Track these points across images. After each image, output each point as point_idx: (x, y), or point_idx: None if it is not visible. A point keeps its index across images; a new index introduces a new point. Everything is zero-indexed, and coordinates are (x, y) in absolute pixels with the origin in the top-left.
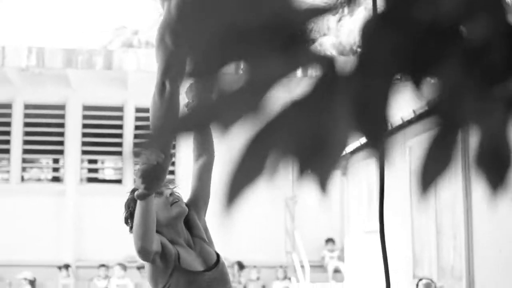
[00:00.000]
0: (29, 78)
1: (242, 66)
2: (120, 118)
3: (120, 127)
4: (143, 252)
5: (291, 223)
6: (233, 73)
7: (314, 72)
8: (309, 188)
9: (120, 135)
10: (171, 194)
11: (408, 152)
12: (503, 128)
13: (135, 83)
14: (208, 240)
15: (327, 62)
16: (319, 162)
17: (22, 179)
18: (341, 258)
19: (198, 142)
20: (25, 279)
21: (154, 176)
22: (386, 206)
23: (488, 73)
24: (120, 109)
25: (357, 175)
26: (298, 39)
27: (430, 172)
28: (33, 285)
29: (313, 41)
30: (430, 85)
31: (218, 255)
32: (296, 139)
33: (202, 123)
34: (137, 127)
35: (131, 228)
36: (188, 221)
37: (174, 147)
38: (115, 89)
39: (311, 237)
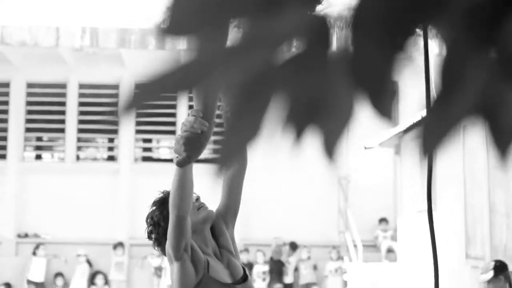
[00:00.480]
0: (83, 58)
1: (235, 24)
2: (174, 97)
3: (174, 106)
4: (181, 218)
5: (344, 203)
6: (225, 31)
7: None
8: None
9: (174, 114)
10: (197, 200)
11: (462, 132)
12: None
13: None
14: (234, 252)
15: (321, 21)
16: (320, 124)
17: (77, 158)
18: (394, 237)
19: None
20: (80, 255)
21: (197, 145)
22: (440, 185)
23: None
24: None
25: (411, 154)
26: None
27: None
28: (89, 263)
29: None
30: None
31: (244, 269)
32: (293, 98)
33: (190, 83)
34: (191, 107)
35: (156, 240)
36: (215, 230)
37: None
38: None
39: (364, 217)
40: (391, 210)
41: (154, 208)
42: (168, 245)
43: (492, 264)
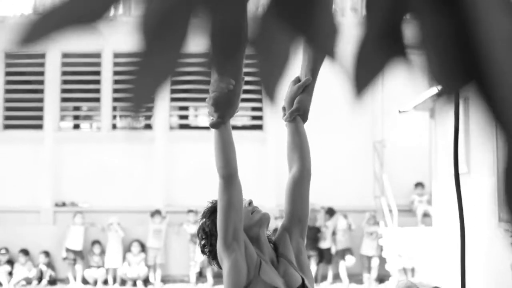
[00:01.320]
0: (117, 26)
1: None
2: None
3: (209, 74)
4: (228, 177)
5: (379, 167)
6: None
7: None
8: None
9: (209, 82)
10: (249, 204)
11: None
12: None
13: None
14: (298, 264)
15: None
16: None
17: (113, 127)
18: (430, 202)
19: (290, 149)
20: (113, 224)
21: (226, 104)
22: (471, 147)
23: None
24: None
25: (445, 117)
26: None
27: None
28: (123, 230)
29: None
30: None
31: (303, 282)
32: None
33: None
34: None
35: (210, 253)
36: (276, 240)
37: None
38: None
39: (399, 181)
40: (427, 174)
41: (204, 219)
42: (218, 231)
43: None
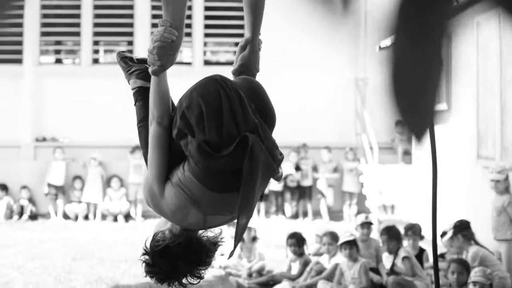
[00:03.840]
0: None
1: None
2: None
3: (189, 7)
4: (158, 121)
5: (361, 105)
6: None
7: None
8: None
9: (190, 16)
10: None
11: (475, 28)
12: None
13: None
14: None
15: None
16: None
17: (94, 61)
18: (410, 140)
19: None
20: (94, 159)
21: (169, 52)
22: (452, 85)
23: None
24: None
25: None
26: None
27: None
28: (102, 165)
29: None
30: None
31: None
32: None
33: None
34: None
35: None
36: None
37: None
38: None
39: (381, 119)
40: None
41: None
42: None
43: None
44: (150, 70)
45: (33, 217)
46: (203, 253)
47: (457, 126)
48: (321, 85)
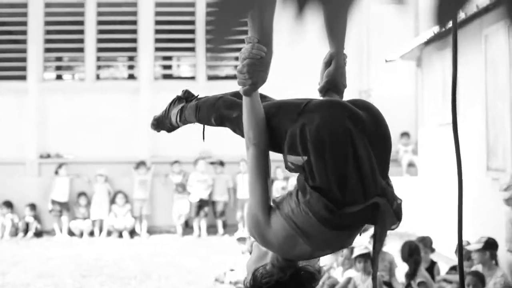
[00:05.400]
0: None
1: None
2: (193, 13)
3: (193, 22)
4: (257, 142)
5: None
6: None
7: None
8: None
9: (193, 31)
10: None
11: (484, 41)
12: None
13: None
14: None
15: None
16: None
17: (98, 77)
18: (415, 151)
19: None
20: (101, 175)
21: (260, 70)
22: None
23: None
24: (192, 4)
25: (432, 67)
26: None
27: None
28: (109, 182)
29: None
30: None
31: None
32: None
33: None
34: (208, 22)
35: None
36: None
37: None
38: None
39: None
40: (413, 124)
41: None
42: (253, 197)
43: None
44: (241, 90)
45: (38, 234)
46: (312, 280)
47: (466, 137)
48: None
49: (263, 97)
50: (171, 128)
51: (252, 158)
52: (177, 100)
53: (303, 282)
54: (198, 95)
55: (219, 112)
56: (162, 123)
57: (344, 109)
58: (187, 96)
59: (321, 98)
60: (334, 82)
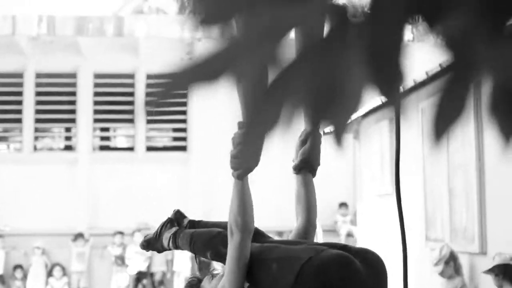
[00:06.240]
0: (40, 46)
1: (255, 14)
2: (132, 85)
3: (131, 94)
4: (247, 232)
5: None
6: (245, 21)
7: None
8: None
9: (132, 103)
10: None
11: (420, 114)
12: None
13: (146, 49)
14: None
15: (339, 11)
16: (334, 112)
17: (35, 148)
18: (354, 222)
19: (296, 200)
20: (38, 248)
21: (255, 154)
22: (400, 167)
23: (500, 12)
24: (131, 76)
25: (369, 139)
26: None
27: (443, 122)
28: (46, 255)
29: None
30: (442, 28)
31: None
32: (310, 88)
33: (216, 72)
34: (148, 94)
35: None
36: None
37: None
38: (126, 56)
39: (323, 202)
40: (351, 194)
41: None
42: (231, 280)
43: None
44: (234, 174)
45: None
46: None
47: (406, 207)
48: (262, 170)
49: (262, 236)
50: (161, 250)
51: (236, 245)
52: (169, 222)
53: None
54: (189, 219)
55: (217, 250)
56: (153, 246)
57: (350, 267)
58: (178, 217)
59: (321, 247)
60: (309, 161)
